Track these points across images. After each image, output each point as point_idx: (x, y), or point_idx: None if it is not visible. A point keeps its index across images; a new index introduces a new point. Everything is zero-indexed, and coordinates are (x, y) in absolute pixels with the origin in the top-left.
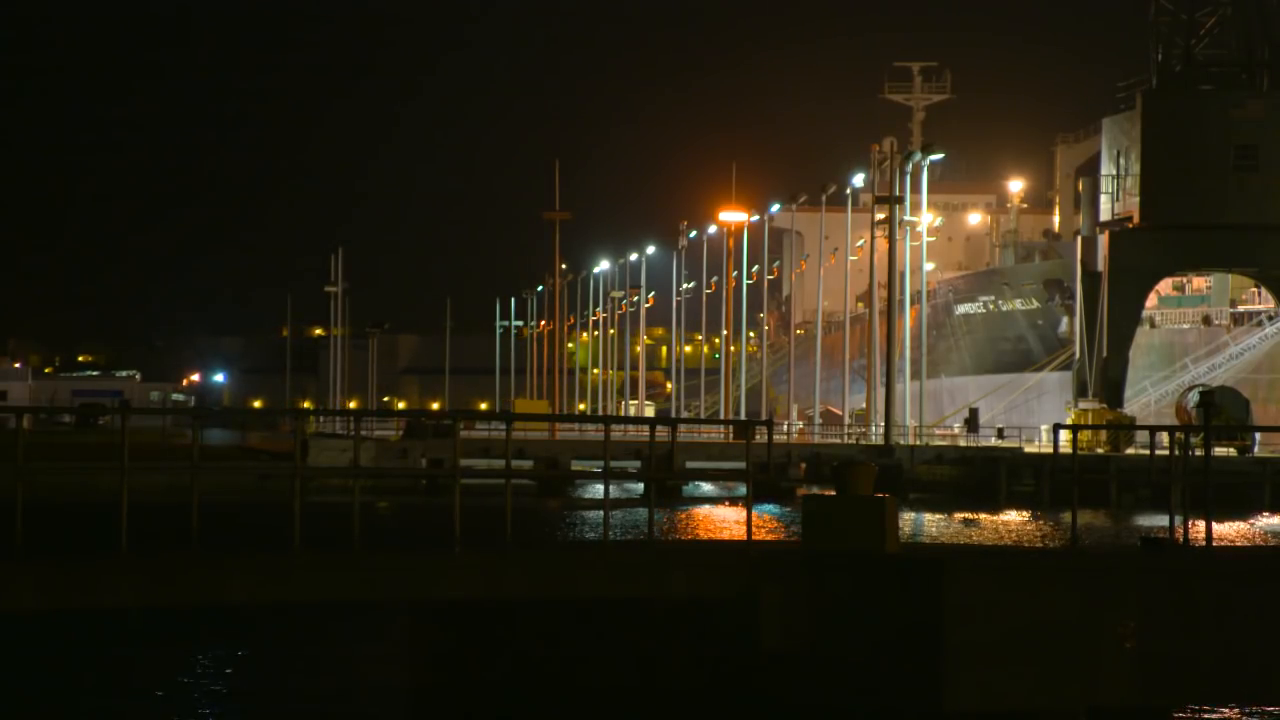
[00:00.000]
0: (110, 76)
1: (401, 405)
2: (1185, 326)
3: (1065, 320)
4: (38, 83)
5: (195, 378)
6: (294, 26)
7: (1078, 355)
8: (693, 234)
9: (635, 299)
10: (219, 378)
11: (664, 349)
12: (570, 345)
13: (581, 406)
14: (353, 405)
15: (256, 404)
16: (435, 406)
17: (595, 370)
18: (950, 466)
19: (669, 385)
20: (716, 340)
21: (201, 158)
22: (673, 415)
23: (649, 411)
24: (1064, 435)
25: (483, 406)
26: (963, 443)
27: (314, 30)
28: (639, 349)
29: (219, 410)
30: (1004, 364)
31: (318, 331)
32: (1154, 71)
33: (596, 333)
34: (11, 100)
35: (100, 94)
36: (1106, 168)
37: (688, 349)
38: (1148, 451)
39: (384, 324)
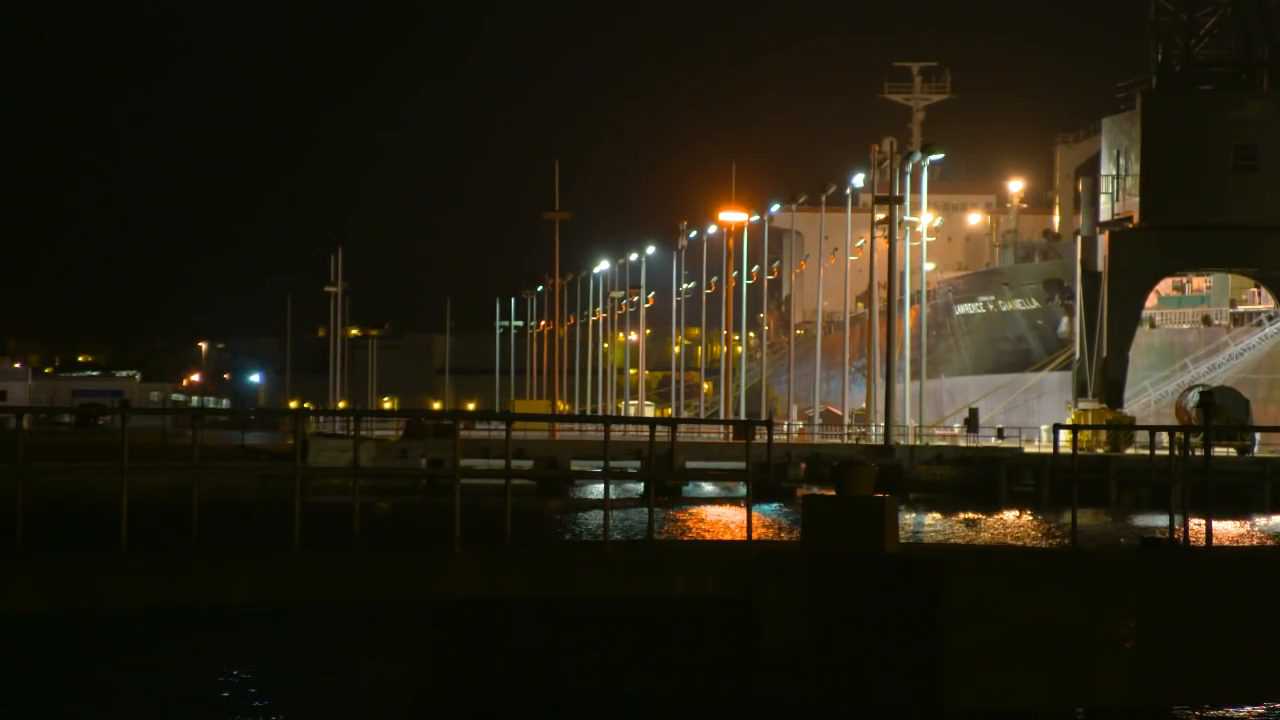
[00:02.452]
0: (111, 77)
1: (437, 405)
2: (1185, 326)
3: (1065, 320)
4: (39, 83)
5: (196, 377)
6: (295, 27)
7: (1078, 355)
8: (693, 234)
9: (635, 299)
10: (255, 378)
11: (699, 349)
12: (606, 345)
13: (619, 406)
14: (388, 405)
15: (293, 404)
16: (472, 406)
17: (633, 370)
18: (950, 466)
19: (707, 386)
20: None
21: (202, 158)
22: (673, 415)
23: (649, 412)
24: (1064, 435)
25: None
26: (963, 443)
27: (315, 31)
28: (677, 349)
29: (218, 410)
30: (1004, 364)
31: (354, 332)
32: (1154, 71)
33: (633, 332)
34: (13, 100)
35: (101, 94)
36: (1106, 168)
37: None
38: (1148, 451)
39: (384, 324)
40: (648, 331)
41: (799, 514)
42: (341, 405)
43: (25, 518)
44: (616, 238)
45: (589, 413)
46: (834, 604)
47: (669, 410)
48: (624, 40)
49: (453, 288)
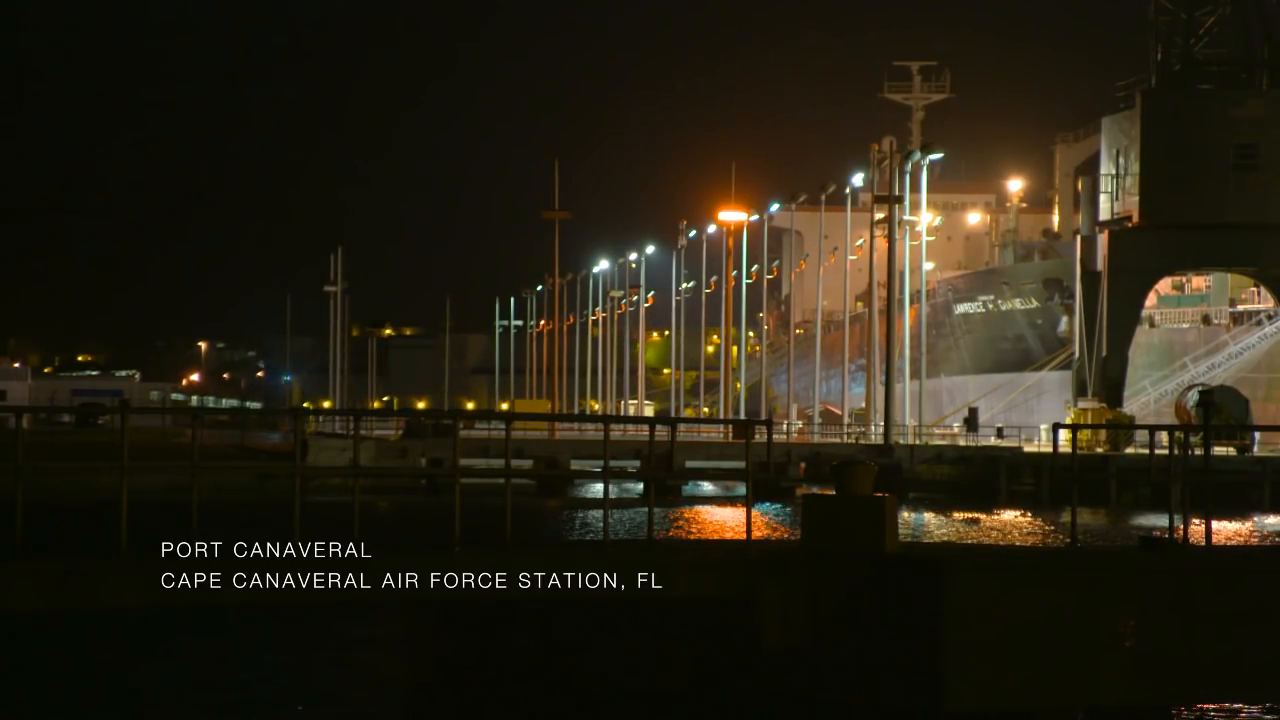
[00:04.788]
0: (111, 77)
1: (470, 405)
2: (1185, 326)
3: (1065, 319)
4: (39, 83)
5: (196, 377)
6: (295, 27)
7: (1077, 354)
8: (692, 233)
9: (635, 298)
10: (288, 378)
11: (734, 349)
12: (641, 345)
13: (657, 407)
14: (421, 405)
15: (326, 404)
16: (504, 406)
17: (666, 370)
18: (950, 466)
19: (738, 385)
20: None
21: (202, 158)
22: (672, 415)
23: (649, 411)
24: (1063, 434)
25: (547, 406)
26: (962, 442)
27: (316, 32)
28: (709, 349)
29: (217, 409)
30: (1003, 363)
31: (387, 331)
32: (1154, 71)
33: (667, 332)
34: (13, 101)
35: (101, 94)
36: (1106, 167)
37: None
38: (1147, 451)
39: (383, 323)
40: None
41: (799, 514)
42: (375, 404)
43: (25, 518)
44: (616, 237)
45: (614, 411)
46: (834, 604)
47: (706, 409)
48: (624, 40)
49: (453, 287)
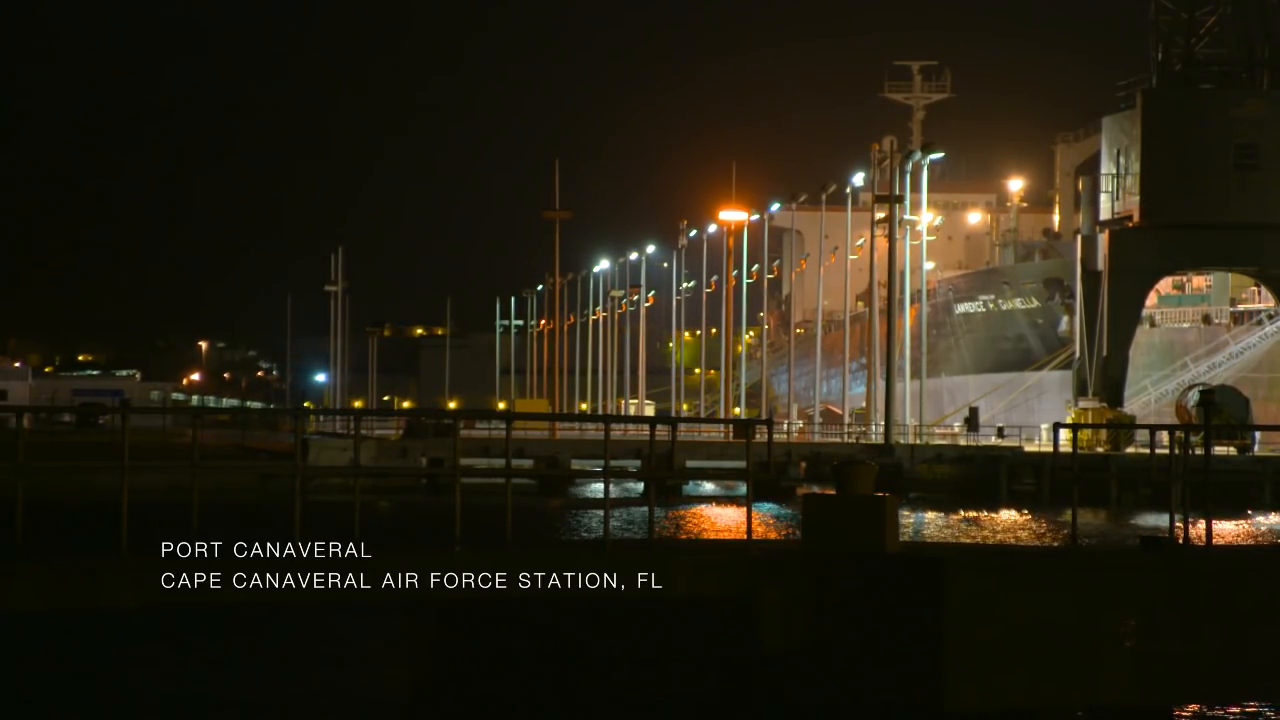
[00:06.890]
0: (112, 77)
1: (502, 405)
2: (1185, 325)
3: (1065, 319)
4: (40, 83)
5: (196, 376)
6: (296, 28)
7: (1078, 354)
8: (693, 233)
9: (635, 298)
10: (320, 377)
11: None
12: (670, 345)
13: (685, 407)
14: (452, 405)
15: (358, 404)
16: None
17: (697, 370)
18: (950, 465)
19: (774, 397)
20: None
21: (204, 158)
22: (673, 415)
23: (649, 411)
24: (1064, 434)
25: (582, 406)
26: (963, 442)
27: (316, 31)
28: (741, 347)
29: (217, 409)
30: (1004, 363)
31: (419, 331)
32: (1154, 70)
33: (698, 332)
34: (14, 100)
35: (102, 94)
36: (1106, 167)
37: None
38: (1148, 450)
39: (383, 323)
40: (714, 331)
41: (799, 513)
42: (407, 404)
43: (25, 518)
44: (617, 237)
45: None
46: (834, 604)
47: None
48: (625, 40)
49: (453, 287)
